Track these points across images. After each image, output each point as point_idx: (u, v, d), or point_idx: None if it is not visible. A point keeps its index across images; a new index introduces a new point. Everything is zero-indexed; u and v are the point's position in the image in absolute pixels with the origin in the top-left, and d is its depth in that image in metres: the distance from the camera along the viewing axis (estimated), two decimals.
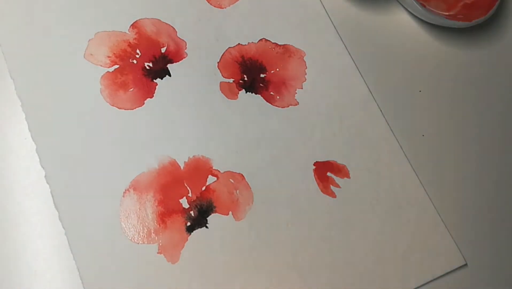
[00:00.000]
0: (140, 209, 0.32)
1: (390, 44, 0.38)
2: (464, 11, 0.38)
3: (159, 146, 0.34)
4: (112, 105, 0.34)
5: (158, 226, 0.32)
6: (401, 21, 0.39)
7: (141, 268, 0.31)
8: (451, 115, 0.37)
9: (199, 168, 0.33)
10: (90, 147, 0.33)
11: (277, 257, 0.32)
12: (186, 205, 0.33)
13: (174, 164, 0.33)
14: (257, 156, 0.34)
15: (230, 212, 0.33)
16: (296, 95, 0.36)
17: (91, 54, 0.35)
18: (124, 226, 0.32)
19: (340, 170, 0.34)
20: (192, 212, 0.32)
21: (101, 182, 0.32)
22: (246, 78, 0.36)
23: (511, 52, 0.39)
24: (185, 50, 0.36)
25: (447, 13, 0.38)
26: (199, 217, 0.32)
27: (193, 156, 0.34)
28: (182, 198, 0.33)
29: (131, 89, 0.35)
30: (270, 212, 0.33)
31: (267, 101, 0.36)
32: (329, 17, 0.38)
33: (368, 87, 0.37)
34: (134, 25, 0.37)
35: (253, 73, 0.36)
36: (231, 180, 0.33)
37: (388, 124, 0.36)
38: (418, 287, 0.32)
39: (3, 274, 0.30)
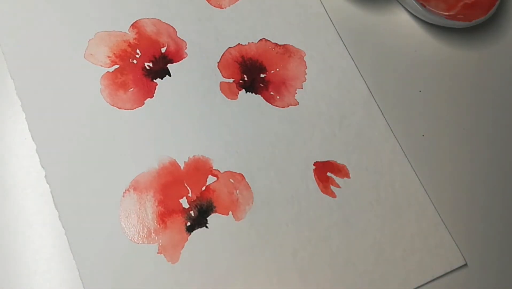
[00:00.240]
0: (140, 209, 0.32)
1: (390, 44, 0.38)
2: (464, 11, 0.38)
3: (159, 146, 0.34)
4: (112, 105, 0.34)
5: (158, 226, 0.32)
6: (401, 21, 0.39)
7: (141, 268, 0.31)
8: (451, 115, 0.37)
9: (199, 168, 0.33)
10: (90, 147, 0.33)
11: (277, 257, 0.32)
12: (186, 205, 0.33)
13: (174, 164, 0.33)
14: (257, 156, 0.34)
15: (230, 212, 0.33)
16: (296, 95, 0.36)
17: (91, 54, 0.35)
18: (124, 226, 0.32)
19: (340, 170, 0.34)
20: (192, 212, 0.32)
21: (101, 182, 0.32)
22: (246, 78, 0.36)
23: (511, 52, 0.39)
24: (185, 50, 0.36)
25: (447, 13, 0.38)
26: (199, 217, 0.32)
27: (193, 156, 0.34)
28: (182, 198, 0.33)
29: (131, 89, 0.35)
30: (270, 212, 0.33)
31: (267, 101, 0.36)
32: (329, 17, 0.38)
33: (368, 87, 0.37)
34: (134, 25, 0.37)
35: (253, 73, 0.36)
36: (231, 180, 0.33)
37: (388, 124, 0.36)
38: (418, 287, 0.32)
39: (3, 274, 0.30)
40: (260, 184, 0.33)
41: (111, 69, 0.35)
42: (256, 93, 0.36)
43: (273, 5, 0.38)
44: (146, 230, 0.32)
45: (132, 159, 0.33)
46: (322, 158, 0.35)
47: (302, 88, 0.36)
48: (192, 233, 0.32)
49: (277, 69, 0.37)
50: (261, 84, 0.36)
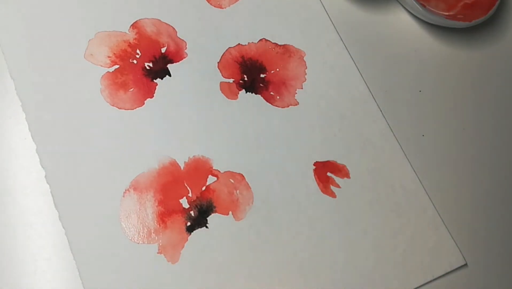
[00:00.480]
0: (140, 209, 0.32)
1: (390, 44, 0.38)
2: (464, 11, 0.38)
3: (159, 146, 0.34)
4: (112, 105, 0.34)
5: (158, 226, 0.32)
6: (401, 21, 0.39)
7: (141, 268, 0.31)
8: (451, 115, 0.37)
9: (199, 168, 0.33)
10: (90, 147, 0.33)
11: (277, 257, 0.32)
12: (186, 205, 0.33)
13: (174, 164, 0.33)
14: (257, 156, 0.34)
15: (230, 212, 0.33)
16: (296, 95, 0.36)
17: (91, 54, 0.35)
18: (124, 226, 0.32)
19: (340, 170, 0.34)
20: (192, 212, 0.32)
21: (101, 182, 0.32)
22: (246, 78, 0.36)
23: (511, 52, 0.39)
24: (185, 50, 0.36)
25: (447, 13, 0.38)
26: (199, 217, 0.32)
27: (193, 156, 0.34)
28: (182, 198, 0.33)
29: (131, 89, 0.35)
30: (270, 212, 0.33)
31: (267, 101, 0.36)
32: (329, 17, 0.38)
33: (368, 87, 0.37)
34: (134, 25, 0.37)
35: (253, 73, 0.36)
36: (231, 180, 0.33)
37: (388, 124, 0.36)
38: (418, 287, 0.32)
39: (3, 274, 0.30)
40: (260, 184, 0.33)
41: (111, 69, 0.35)
42: (256, 93, 0.36)
43: (273, 5, 0.38)
44: (146, 230, 0.32)
45: (132, 159, 0.33)
46: (322, 158, 0.35)
47: (302, 88, 0.36)
48: (192, 233, 0.32)
49: (277, 69, 0.37)
50: (261, 84, 0.36)
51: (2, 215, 0.32)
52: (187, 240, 0.32)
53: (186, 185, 0.33)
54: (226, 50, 0.37)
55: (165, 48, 0.36)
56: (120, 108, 0.34)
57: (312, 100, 0.36)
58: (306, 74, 0.37)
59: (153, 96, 0.35)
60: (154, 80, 0.35)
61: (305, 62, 0.37)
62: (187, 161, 0.34)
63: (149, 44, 0.36)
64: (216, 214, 0.33)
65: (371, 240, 0.33)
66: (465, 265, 0.33)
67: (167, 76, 0.36)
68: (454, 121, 0.37)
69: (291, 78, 0.37)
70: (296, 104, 0.36)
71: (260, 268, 0.31)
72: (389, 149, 0.35)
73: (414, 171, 0.35)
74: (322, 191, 0.34)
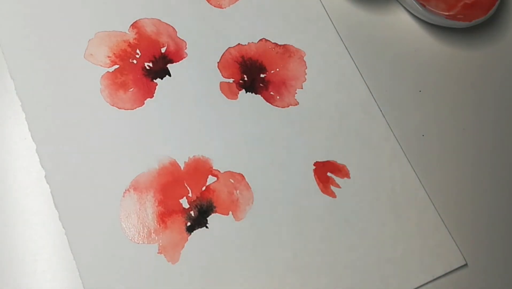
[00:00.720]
0: (140, 209, 0.32)
1: (390, 44, 0.38)
2: (464, 11, 0.38)
3: (159, 146, 0.34)
4: (112, 105, 0.34)
5: (158, 226, 0.32)
6: (401, 21, 0.39)
7: (141, 268, 0.31)
8: (451, 115, 0.37)
9: (199, 168, 0.33)
10: (90, 147, 0.33)
11: (277, 257, 0.32)
12: (186, 205, 0.33)
13: (174, 164, 0.33)
14: (257, 156, 0.34)
15: (230, 212, 0.33)
16: (296, 95, 0.36)
17: (91, 54, 0.35)
18: (124, 226, 0.32)
19: (340, 170, 0.34)
20: (192, 212, 0.32)
21: (101, 182, 0.32)
22: (246, 78, 0.36)
23: (511, 52, 0.39)
24: (185, 50, 0.36)
25: (447, 13, 0.38)
26: (199, 217, 0.32)
27: (193, 156, 0.34)
28: (182, 198, 0.33)
29: (131, 89, 0.35)
30: (270, 212, 0.33)
31: (267, 101, 0.36)
32: (329, 17, 0.38)
33: (368, 87, 0.37)
34: (134, 25, 0.37)
35: (253, 73, 0.36)
36: (231, 180, 0.33)
37: (388, 124, 0.36)
38: (418, 287, 0.32)
39: (3, 274, 0.30)
40: (260, 184, 0.33)
41: (111, 69, 0.35)
42: (256, 93, 0.36)
43: (273, 5, 0.38)
44: (146, 230, 0.32)
45: (132, 159, 0.33)
46: (322, 158, 0.35)
47: (302, 88, 0.36)
48: (192, 233, 0.32)
49: (277, 69, 0.37)
50: (261, 84, 0.36)
51: (2, 215, 0.32)
52: (187, 240, 0.32)
53: (186, 185, 0.33)
54: (226, 50, 0.37)
55: (165, 48, 0.36)
56: (120, 108, 0.34)
57: (312, 100, 0.36)
58: (306, 74, 0.37)
59: (153, 96, 0.35)
60: (154, 80, 0.35)
61: (305, 62, 0.37)
62: (187, 161, 0.34)
63: (149, 44, 0.36)
64: (216, 214, 0.32)
65: (371, 240, 0.33)
66: (465, 265, 0.33)
67: (167, 76, 0.36)
68: (454, 121, 0.37)
69: (291, 78, 0.37)
70: (296, 104, 0.36)
71: (260, 268, 0.31)
72: (389, 149, 0.35)
73: (414, 171, 0.35)
74: (322, 191, 0.34)
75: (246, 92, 0.36)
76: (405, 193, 0.34)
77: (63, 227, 0.31)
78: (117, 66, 0.35)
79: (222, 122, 0.35)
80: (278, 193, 0.33)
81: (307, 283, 0.31)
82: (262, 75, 0.37)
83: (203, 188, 0.33)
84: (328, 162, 0.35)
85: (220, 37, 0.37)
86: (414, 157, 0.35)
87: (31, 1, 0.36)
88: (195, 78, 0.36)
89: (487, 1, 0.38)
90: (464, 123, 0.37)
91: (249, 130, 0.35)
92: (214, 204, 0.33)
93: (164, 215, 0.32)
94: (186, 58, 0.36)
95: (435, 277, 0.32)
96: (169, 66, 0.36)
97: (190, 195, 0.33)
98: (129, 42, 0.36)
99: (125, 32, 0.36)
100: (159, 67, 0.36)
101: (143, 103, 0.35)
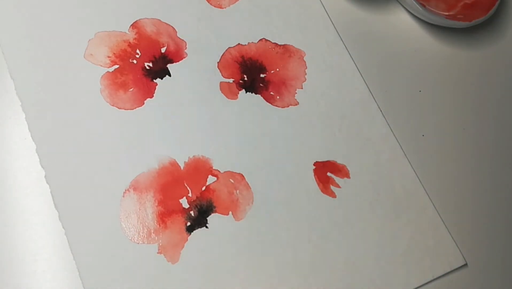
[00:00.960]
0: (140, 209, 0.32)
1: (390, 44, 0.38)
2: (464, 11, 0.38)
3: (159, 146, 0.34)
4: (112, 105, 0.34)
5: (158, 226, 0.32)
6: (401, 21, 0.39)
7: (141, 268, 0.31)
8: (451, 115, 0.37)
9: (199, 168, 0.33)
10: (90, 147, 0.33)
11: (277, 257, 0.32)
12: (186, 205, 0.33)
13: (174, 164, 0.33)
14: (257, 156, 0.34)
15: (230, 212, 0.33)
16: (296, 95, 0.36)
17: (91, 54, 0.35)
18: (124, 226, 0.32)
19: (340, 170, 0.34)
20: (192, 212, 0.32)
21: (101, 182, 0.32)
22: (246, 78, 0.36)
23: (511, 52, 0.39)
24: (185, 50, 0.36)
25: (447, 13, 0.38)
26: (199, 217, 0.32)
27: (193, 156, 0.34)
28: (182, 198, 0.33)
29: (131, 89, 0.35)
30: (270, 212, 0.33)
31: (267, 101, 0.36)
32: (329, 17, 0.38)
33: (368, 87, 0.37)
34: (134, 25, 0.37)
35: (253, 73, 0.36)
36: (231, 180, 0.33)
37: (388, 124, 0.36)
38: (418, 287, 0.32)
39: (3, 274, 0.30)
40: (260, 184, 0.33)
41: (111, 69, 0.35)
42: (256, 93, 0.36)
43: (273, 5, 0.38)
44: (146, 230, 0.32)
45: (132, 158, 0.33)
46: (322, 158, 0.35)
47: (302, 88, 0.36)
48: (192, 233, 0.32)
49: (277, 69, 0.37)
50: (261, 84, 0.36)
51: (2, 215, 0.32)
52: (187, 240, 0.32)
53: (186, 185, 0.33)
54: (226, 50, 0.37)
55: (165, 48, 0.36)
56: (120, 108, 0.34)
57: (312, 100, 0.36)
58: (306, 74, 0.37)
59: (153, 96, 0.35)
60: (154, 80, 0.35)
61: (305, 62, 0.37)
62: (187, 161, 0.34)
63: (149, 44, 0.36)
64: (216, 214, 0.32)
65: (371, 240, 0.33)
66: (465, 265, 0.33)
67: (167, 76, 0.36)
68: (454, 121, 0.37)
69: (291, 78, 0.37)
70: (296, 104, 0.36)
71: (260, 268, 0.31)
72: (389, 149, 0.35)
73: (414, 171, 0.35)
74: (322, 191, 0.34)
75: (246, 92, 0.36)
76: (405, 193, 0.34)
77: (63, 227, 0.31)
78: (117, 66, 0.35)
79: (222, 122, 0.35)
80: (278, 193, 0.33)
81: (307, 283, 0.31)
82: (262, 75, 0.37)
83: (203, 188, 0.33)
84: (328, 162, 0.35)
85: (220, 37, 0.37)
86: (414, 157, 0.35)
87: (31, 1, 0.36)
88: (195, 78, 0.36)
89: (487, 1, 0.38)
90: (464, 123, 0.37)
91: (249, 130, 0.35)
92: (214, 204, 0.33)
93: (164, 215, 0.32)
94: (186, 58, 0.36)
95: (435, 277, 0.32)
96: (169, 66, 0.36)
97: (190, 195, 0.33)
98: (129, 42, 0.36)
99: (125, 32, 0.36)
100: (159, 67, 0.36)
101: (143, 103, 0.35)
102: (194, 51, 0.36)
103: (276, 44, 0.37)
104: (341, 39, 0.38)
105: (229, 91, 0.36)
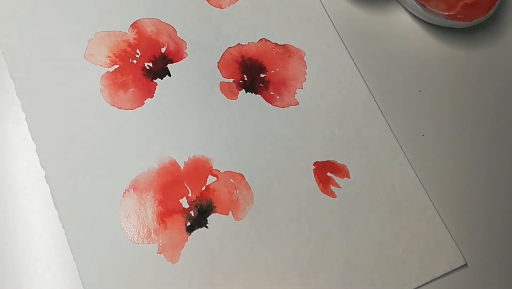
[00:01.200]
0: (140, 209, 0.32)
1: (390, 44, 0.38)
2: (464, 11, 0.38)
3: (159, 146, 0.34)
4: (112, 105, 0.34)
5: (158, 226, 0.32)
6: (401, 21, 0.39)
7: (141, 268, 0.31)
8: (451, 115, 0.37)
9: (199, 168, 0.33)
10: (90, 147, 0.33)
11: (277, 257, 0.32)
12: (186, 205, 0.33)
13: (174, 164, 0.33)
14: (257, 156, 0.34)
15: (230, 212, 0.33)
16: (296, 95, 0.36)
17: (91, 54, 0.35)
18: (124, 226, 0.32)
19: (340, 170, 0.34)
20: (192, 212, 0.32)
21: (101, 182, 0.32)
22: (246, 78, 0.36)
23: (511, 52, 0.39)
24: (185, 50, 0.36)
25: (447, 13, 0.38)
26: (199, 217, 0.32)
27: (193, 156, 0.34)
28: (182, 198, 0.33)
29: (131, 89, 0.35)
30: (270, 212, 0.33)
31: (267, 101, 0.36)
32: (329, 17, 0.38)
33: (368, 87, 0.37)
34: (134, 25, 0.37)
35: (253, 73, 0.36)
36: (231, 180, 0.33)
37: (388, 124, 0.36)
38: (418, 287, 0.32)
39: (3, 274, 0.30)
40: (260, 184, 0.33)
41: (111, 69, 0.35)
42: (256, 93, 0.36)
43: (273, 5, 0.38)
44: (146, 230, 0.32)
45: (132, 159, 0.33)
46: (322, 158, 0.35)
47: (302, 88, 0.36)
48: (192, 233, 0.32)
49: (277, 69, 0.37)
50: (261, 84, 0.36)
51: (2, 215, 0.32)
52: (187, 240, 0.32)
53: (186, 185, 0.33)
54: (226, 50, 0.37)
55: (165, 48, 0.36)
56: (120, 108, 0.34)
57: (312, 100, 0.36)
58: (306, 74, 0.37)
59: (153, 96, 0.35)
60: (154, 80, 0.35)
61: (305, 62, 0.37)
62: (187, 161, 0.34)
63: (149, 44, 0.36)
64: (216, 214, 0.32)
65: (371, 240, 0.33)
66: (465, 265, 0.33)
67: (167, 76, 0.36)
68: (454, 121, 0.37)
69: (291, 78, 0.37)
70: (296, 104, 0.36)
71: (260, 268, 0.31)
72: (389, 149, 0.35)
73: (414, 171, 0.35)
74: (322, 191, 0.34)
75: (246, 92, 0.36)
76: (405, 193, 0.34)
77: (63, 227, 0.31)
78: (117, 66, 0.35)
79: (222, 122, 0.35)
80: (278, 193, 0.33)
81: (307, 283, 0.31)
82: (262, 75, 0.37)
83: (203, 188, 0.33)
84: (328, 162, 0.35)
85: (220, 37, 0.37)
86: (414, 157, 0.35)
87: (31, 1, 0.36)
88: (195, 78, 0.36)
89: (487, 1, 0.38)
90: (464, 123, 0.37)
91: (249, 131, 0.35)
92: (214, 204, 0.33)
93: (164, 215, 0.32)
94: (186, 58, 0.36)
95: (435, 277, 0.32)
96: (169, 66, 0.36)
97: (190, 195, 0.33)
98: (129, 42, 0.36)
99: (125, 32, 0.36)
100: (159, 67, 0.36)
101: (143, 103, 0.35)
102: (194, 51, 0.36)
103: (276, 44, 0.37)
104: (341, 39, 0.38)
105: (229, 91, 0.36)
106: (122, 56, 0.36)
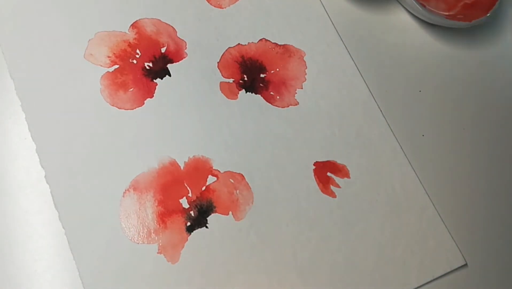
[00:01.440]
0: (140, 209, 0.32)
1: (390, 44, 0.38)
2: (464, 11, 0.38)
3: (159, 146, 0.34)
4: (112, 105, 0.34)
5: (158, 226, 0.32)
6: (401, 21, 0.39)
7: (141, 268, 0.31)
8: (451, 115, 0.37)
9: (199, 168, 0.33)
10: (90, 147, 0.33)
11: (277, 257, 0.32)
12: (186, 205, 0.33)
13: (174, 164, 0.33)
14: (257, 156, 0.34)
15: (230, 212, 0.33)
16: (296, 95, 0.36)
17: (91, 54, 0.35)
18: (124, 226, 0.32)
19: (340, 170, 0.34)
20: (192, 212, 0.32)
21: (101, 182, 0.32)
22: (246, 78, 0.36)
23: (511, 52, 0.39)
24: (185, 50, 0.36)
25: (447, 13, 0.38)
26: (199, 217, 0.32)
27: (193, 156, 0.34)
28: (182, 198, 0.33)
29: (131, 89, 0.35)
30: (270, 212, 0.33)
31: (267, 101, 0.36)
32: (329, 17, 0.38)
33: (368, 87, 0.37)
34: (134, 25, 0.37)
35: (253, 73, 0.36)
36: (231, 180, 0.33)
37: (388, 124, 0.36)
38: (418, 287, 0.32)
39: (3, 274, 0.30)
40: (260, 184, 0.33)
41: (111, 69, 0.35)
42: (256, 93, 0.36)
43: (273, 5, 0.38)
44: (146, 230, 0.32)
45: (132, 159, 0.33)
46: (322, 158, 0.35)
47: (302, 88, 0.36)
48: (192, 233, 0.32)
49: (277, 69, 0.37)
50: (261, 84, 0.36)
51: (2, 215, 0.32)
52: (187, 240, 0.32)
53: (186, 185, 0.33)
54: (226, 50, 0.37)
55: (165, 48, 0.36)
56: (120, 108, 0.34)
57: (312, 100, 0.36)
58: (306, 74, 0.37)
59: (153, 96, 0.35)
60: (154, 80, 0.35)
61: (305, 62, 0.37)
62: (187, 161, 0.34)
63: (149, 44, 0.36)
64: (216, 214, 0.32)
65: (371, 240, 0.33)
66: (465, 265, 0.33)
67: (167, 76, 0.36)
68: (454, 121, 0.37)
69: (291, 78, 0.37)
70: (296, 104, 0.36)
71: (260, 268, 0.31)
72: (389, 149, 0.35)
73: (414, 171, 0.35)
74: (322, 191, 0.34)
75: (246, 92, 0.36)
76: (405, 193, 0.34)
77: (63, 227, 0.31)
78: (117, 66, 0.35)
79: (222, 122, 0.35)
80: (278, 193, 0.33)
81: (306, 283, 0.31)
82: (262, 75, 0.37)
83: (203, 188, 0.33)
84: (328, 162, 0.35)
85: (220, 37, 0.37)
86: (414, 157, 0.35)
87: (31, 1, 0.36)
88: (195, 78, 0.36)
89: (487, 1, 0.38)
90: (464, 123, 0.37)
91: (249, 131, 0.35)
92: (214, 204, 0.33)
93: (164, 215, 0.32)
94: (186, 58, 0.36)
95: (435, 277, 0.32)
96: (169, 66, 0.36)
97: (190, 195, 0.33)
98: (129, 42, 0.36)
99: (125, 32, 0.36)
100: (159, 67, 0.36)
101: (143, 103, 0.35)
102: (194, 51, 0.36)
103: (276, 44, 0.37)
104: (341, 39, 0.38)
105: (229, 91, 0.36)
106: (122, 56, 0.36)
